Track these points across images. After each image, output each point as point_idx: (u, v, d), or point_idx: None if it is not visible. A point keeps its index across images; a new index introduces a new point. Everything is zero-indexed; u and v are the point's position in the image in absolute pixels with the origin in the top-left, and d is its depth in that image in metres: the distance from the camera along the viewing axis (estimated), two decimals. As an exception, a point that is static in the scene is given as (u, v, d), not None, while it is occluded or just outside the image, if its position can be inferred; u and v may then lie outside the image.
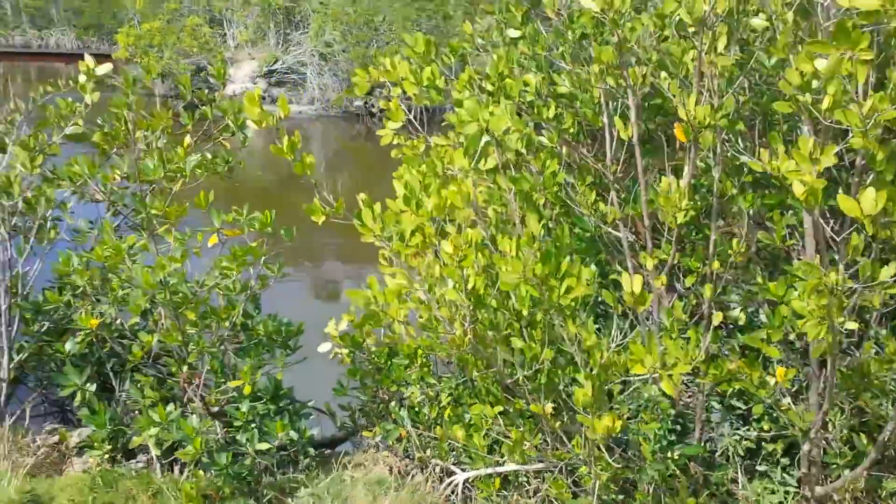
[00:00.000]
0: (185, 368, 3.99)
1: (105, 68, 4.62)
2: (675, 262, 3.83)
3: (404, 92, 4.09)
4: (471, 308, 2.99)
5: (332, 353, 4.35)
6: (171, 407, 3.99)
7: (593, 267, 3.74)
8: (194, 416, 4.00)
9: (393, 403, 4.51)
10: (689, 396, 4.38)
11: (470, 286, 2.89)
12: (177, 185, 4.45)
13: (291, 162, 3.08)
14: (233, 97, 28.26)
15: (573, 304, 2.89)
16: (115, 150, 4.88)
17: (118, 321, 4.30)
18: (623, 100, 3.93)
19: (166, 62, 28.66)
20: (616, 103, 4.13)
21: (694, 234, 4.23)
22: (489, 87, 3.83)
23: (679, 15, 3.16)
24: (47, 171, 4.51)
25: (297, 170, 3.10)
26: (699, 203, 3.83)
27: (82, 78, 4.57)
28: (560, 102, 3.91)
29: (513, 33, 4.13)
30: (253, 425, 4.02)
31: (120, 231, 4.44)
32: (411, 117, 4.32)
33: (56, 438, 4.42)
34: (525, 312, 3.12)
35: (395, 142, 4.31)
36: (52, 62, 42.70)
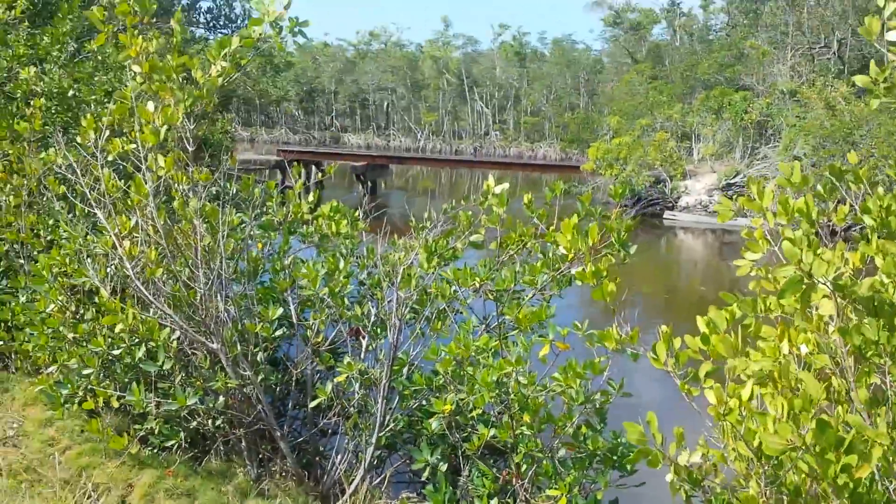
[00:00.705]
0: (512, 466, 4.22)
1: (502, 187, 5.21)
2: None
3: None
4: (766, 466, 2.64)
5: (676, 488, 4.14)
6: (494, 501, 4.23)
7: None
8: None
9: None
10: None
11: (755, 444, 2.57)
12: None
13: (591, 287, 3.15)
14: (687, 208, 28.54)
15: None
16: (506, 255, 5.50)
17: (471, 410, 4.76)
18: None
19: (628, 174, 30.33)
20: None
21: None
22: (870, 223, 3.39)
23: None
24: (447, 271, 5.25)
25: (596, 296, 3.15)
26: None
27: (490, 195, 5.26)
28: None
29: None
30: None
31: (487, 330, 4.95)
32: (777, 248, 4.03)
33: (401, 506, 4.98)
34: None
35: (753, 273, 4.05)
36: (533, 171, 48.25)
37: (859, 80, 3.19)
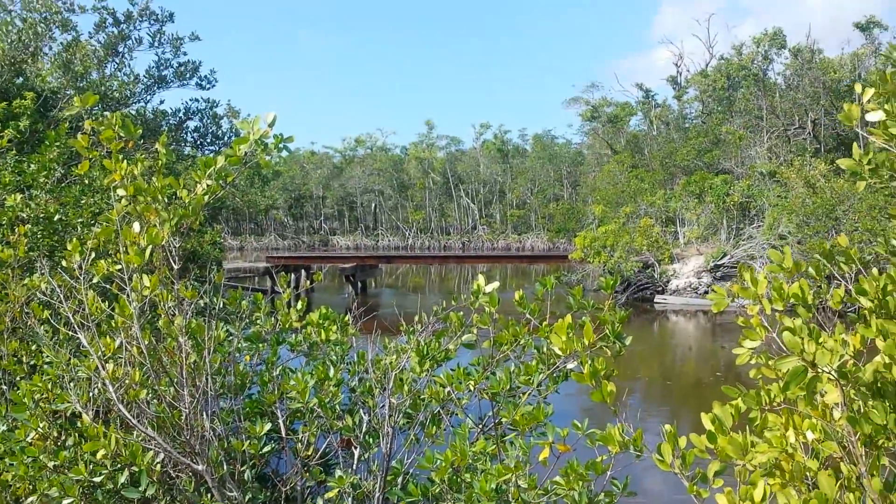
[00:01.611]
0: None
1: (493, 286, 5.16)
2: None
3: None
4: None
5: None
6: None
7: None
8: None
9: None
10: None
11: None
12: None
13: (591, 388, 3.04)
14: (676, 291, 28.64)
15: None
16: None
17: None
18: None
19: (616, 260, 30.55)
20: None
21: None
22: (867, 304, 3.32)
23: None
24: (440, 375, 5.12)
25: (595, 397, 3.03)
26: None
27: (481, 294, 5.20)
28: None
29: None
30: None
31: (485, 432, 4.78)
32: (774, 334, 3.95)
33: None
34: None
35: (752, 361, 3.95)
36: (521, 263, 48.60)
37: (843, 163, 3.20)
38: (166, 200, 5.14)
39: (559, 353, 3.58)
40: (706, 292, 30.28)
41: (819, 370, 2.68)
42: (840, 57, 48.97)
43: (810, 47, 47.80)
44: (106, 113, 5.25)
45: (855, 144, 3.33)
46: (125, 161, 5.11)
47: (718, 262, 31.06)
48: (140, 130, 5.25)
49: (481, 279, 5.21)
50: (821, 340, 2.75)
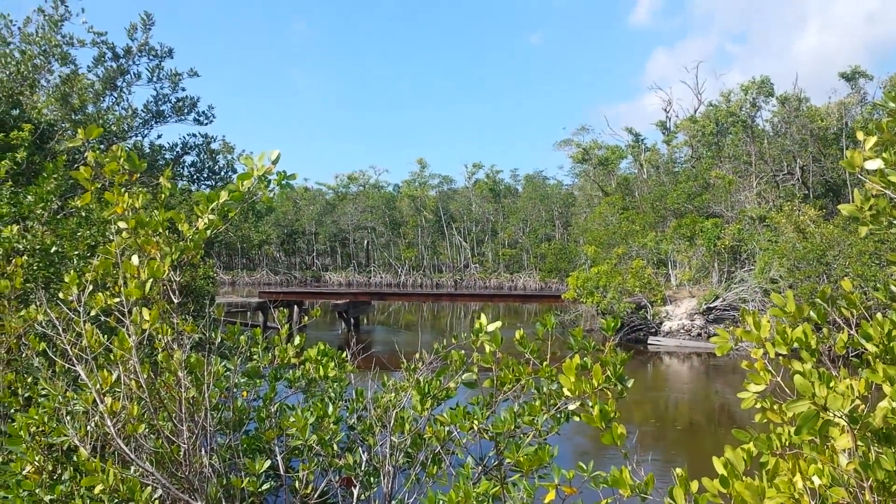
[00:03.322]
0: None
1: (495, 326, 5.17)
2: None
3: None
4: None
5: None
6: None
7: None
8: None
9: None
10: None
11: None
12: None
13: (601, 430, 3.04)
14: (670, 333, 28.56)
15: None
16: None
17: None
18: None
19: (609, 301, 30.60)
20: None
21: None
22: (872, 349, 3.35)
23: None
24: (441, 413, 5.09)
25: (606, 440, 3.03)
26: None
27: (483, 332, 5.20)
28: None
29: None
30: None
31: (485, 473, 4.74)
32: (778, 379, 3.96)
33: None
34: None
35: (758, 405, 3.96)
36: (514, 302, 48.59)
37: (845, 209, 3.25)
38: (167, 234, 5.16)
39: (567, 393, 3.58)
40: (699, 334, 30.32)
41: (830, 414, 2.70)
42: (827, 105, 49.86)
43: (797, 95, 48.65)
44: (102, 146, 5.29)
45: (856, 190, 3.40)
46: (126, 194, 5.14)
47: (711, 305, 31.17)
48: (145, 164, 5.29)
49: (483, 318, 5.22)
50: (831, 384, 2.77)
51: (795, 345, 3.83)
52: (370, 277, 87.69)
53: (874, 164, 3.32)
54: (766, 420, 4.13)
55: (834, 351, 3.93)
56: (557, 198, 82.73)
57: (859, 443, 3.05)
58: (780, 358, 4.03)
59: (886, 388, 3.11)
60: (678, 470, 2.91)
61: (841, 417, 2.74)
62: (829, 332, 3.96)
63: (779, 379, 4.17)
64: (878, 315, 3.56)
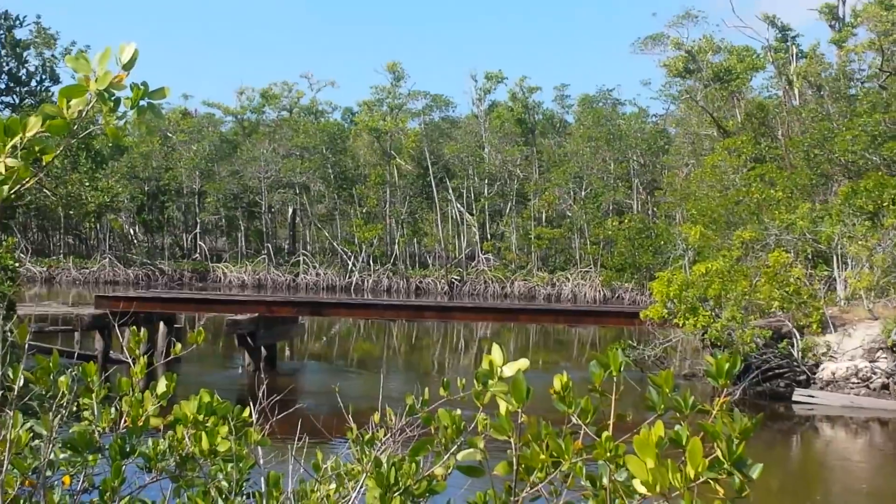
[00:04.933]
0: None
1: (517, 366, 5.20)
2: None
3: None
4: None
5: None
6: None
7: None
8: None
9: None
10: None
11: None
12: None
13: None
14: (833, 383, 28.65)
15: None
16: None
17: None
18: None
19: (725, 324, 30.61)
20: None
21: None
22: None
23: None
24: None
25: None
26: None
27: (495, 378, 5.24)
28: None
29: None
30: None
31: None
32: None
33: None
34: None
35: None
36: (554, 322, 49.14)
37: None
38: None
39: (641, 489, 3.59)
40: (885, 386, 30.33)
41: None
42: None
43: None
44: None
45: None
46: None
47: (907, 335, 31.24)
48: None
49: (497, 352, 5.21)
50: None
51: None
52: (297, 275, 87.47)
53: None
54: None
55: None
56: (638, 138, 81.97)
57: None
58: None
59: None
60: None
61: None
62: None
63: None
64: None
